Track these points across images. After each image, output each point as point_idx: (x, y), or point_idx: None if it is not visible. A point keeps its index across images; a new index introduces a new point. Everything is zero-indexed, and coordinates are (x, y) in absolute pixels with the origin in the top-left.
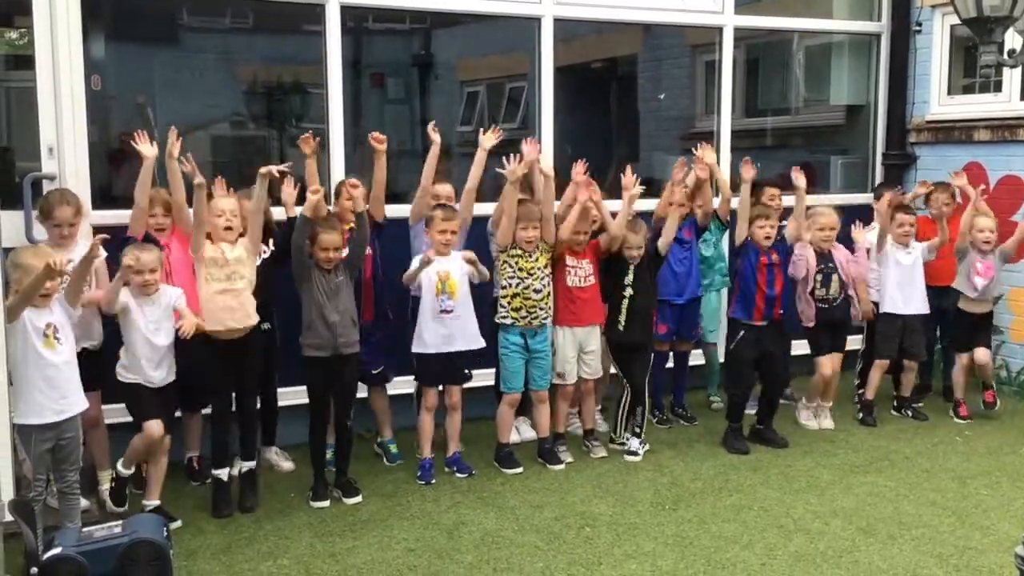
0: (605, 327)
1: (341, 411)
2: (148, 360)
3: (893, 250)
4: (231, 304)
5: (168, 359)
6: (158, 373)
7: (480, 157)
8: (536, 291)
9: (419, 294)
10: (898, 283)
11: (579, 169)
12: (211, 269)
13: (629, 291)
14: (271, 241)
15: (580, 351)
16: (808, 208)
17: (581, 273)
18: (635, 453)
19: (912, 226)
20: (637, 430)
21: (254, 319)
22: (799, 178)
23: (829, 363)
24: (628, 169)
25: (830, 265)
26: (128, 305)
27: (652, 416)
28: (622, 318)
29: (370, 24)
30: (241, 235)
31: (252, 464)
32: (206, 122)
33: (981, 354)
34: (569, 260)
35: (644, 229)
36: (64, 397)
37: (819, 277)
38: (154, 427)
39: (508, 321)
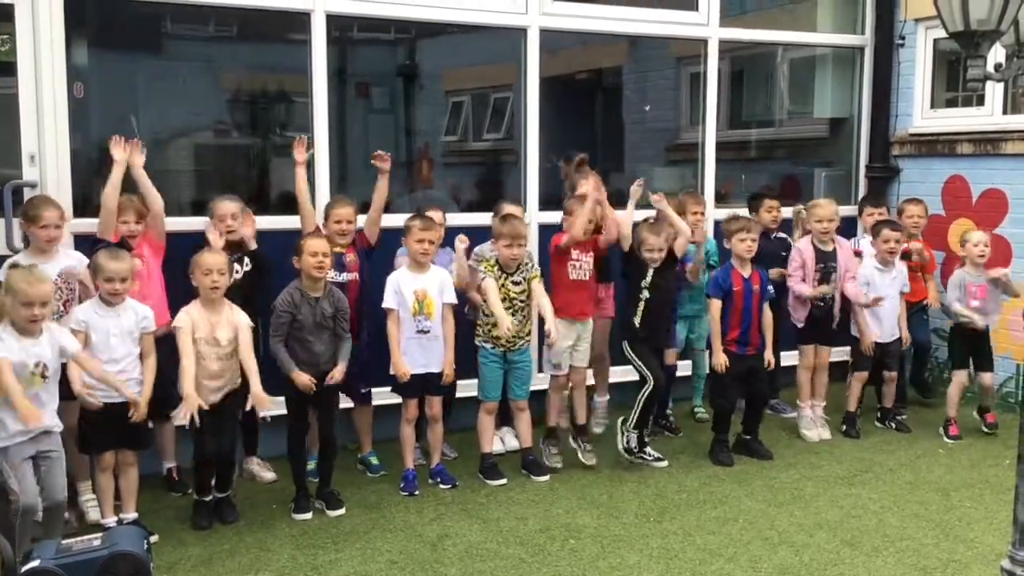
0: (622, 326)
1: (325, 423)
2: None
3: (874, 274)
4: (218, 384)
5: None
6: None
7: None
8: (516, 322)
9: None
10: (873, 310)
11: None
12: (202, 348)
13: (645, 293)
14: (245, 260)
15: (576, 341)
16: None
17: (584, 267)
18: (662, 459)
19: (898, 243)
20: (656, 423)
21: (237, 382)
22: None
23: (811, 352)
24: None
25: (831, 264)
26: (89, 321)
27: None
28: (637, 319)
29: (355, 34)
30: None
31: (228, 494)
32: (190, 130)
33: (987, 378)
34: (574, 253)
35: (666, 231)
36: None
37: (817, 276)
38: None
39: (488, 345)
